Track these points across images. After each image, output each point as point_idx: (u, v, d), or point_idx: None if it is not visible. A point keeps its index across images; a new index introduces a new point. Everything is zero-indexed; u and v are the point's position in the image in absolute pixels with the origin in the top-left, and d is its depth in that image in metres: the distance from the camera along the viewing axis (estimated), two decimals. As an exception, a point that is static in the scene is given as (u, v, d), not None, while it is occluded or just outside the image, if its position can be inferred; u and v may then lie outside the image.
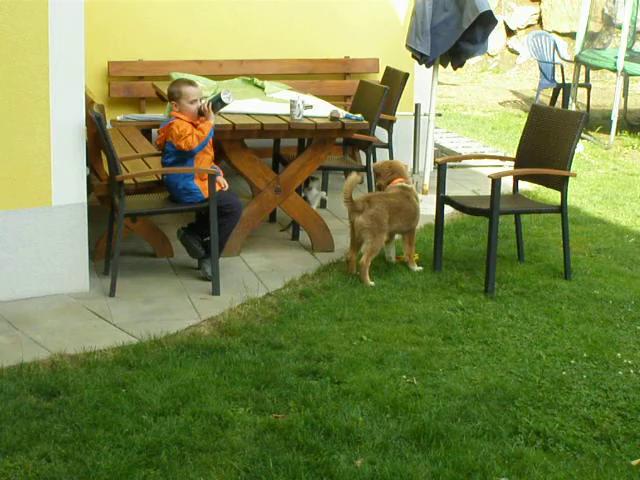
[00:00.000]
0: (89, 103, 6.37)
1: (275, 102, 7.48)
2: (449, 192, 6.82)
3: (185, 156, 6.30)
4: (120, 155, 6.38)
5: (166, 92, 6.68)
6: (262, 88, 7.99)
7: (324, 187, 8.32)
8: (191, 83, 6.46)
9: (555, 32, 17.80)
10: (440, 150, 10.70)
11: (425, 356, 5.20)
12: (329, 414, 4.45)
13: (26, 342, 5.32)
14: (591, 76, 14.43)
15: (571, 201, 8.06)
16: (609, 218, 8.30)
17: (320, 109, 7.22)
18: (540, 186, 7.76)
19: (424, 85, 9.30)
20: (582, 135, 10.00)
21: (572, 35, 16.23)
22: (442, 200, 6.70)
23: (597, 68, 13.98)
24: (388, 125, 8.73)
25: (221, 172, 6.50)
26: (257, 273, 6.61)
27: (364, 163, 8.26)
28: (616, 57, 12.04)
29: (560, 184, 6.50)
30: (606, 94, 15.29)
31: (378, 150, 8.63)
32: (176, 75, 7.70)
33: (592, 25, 13.25)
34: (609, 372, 5.08)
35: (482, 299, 6.14)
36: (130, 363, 5.00)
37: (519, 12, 18.83)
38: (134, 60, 9.07)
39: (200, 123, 6.28)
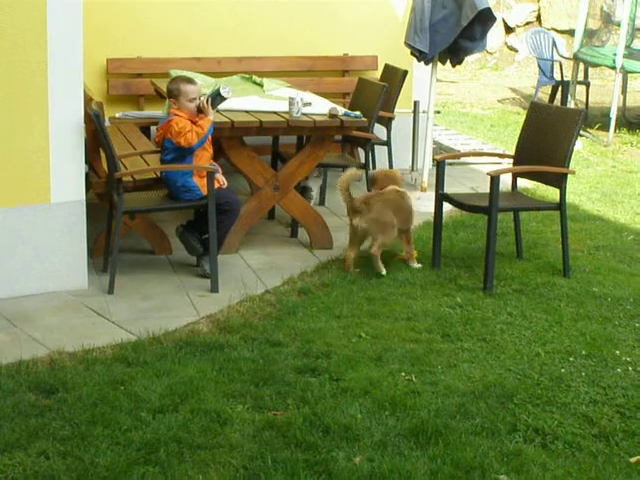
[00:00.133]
0: (88, 100, 6.36)
1: (274, 99, 7.48)
2: (448, 189, 6.82)
3: (184, 153, 6.30)
4: (119, 152, 6.38)
5: (165, 89, 6.68)
6: (261, 85, 7.99)
7: (323, 184, 8.32)
8: (190, 81, 6.45)
9: (554, 29, 17.81)
10: (439, 147, 10.70)
11: (424, 353, 5.20)
12: (328, 411, 4.45)
13: (25, 339, 5.32)
14: (590, 73, 14.43)
15: (570, 198, 8.06)
16: (608, 215, 8.30)
17: (319, 106, 7.22)
18: (539, 183, 7.76)
19: (423, 82, 9.30)
20: (581, 132, 10.00)
21: (571, 32, 16.24)
22: (441, 197, 6.70)
23: (596, 65, 13.96)
24: (387, 122, 8.73)
25: (220, 169, 6.50)
26: (256, 270, 6.61)
27: (363, 160, 8.26)
28: (615, 54, 12.04)
29: (559, 181, 6.50)
30: (605, 91, 15.29)
31: (377, 147, 8.63)
32: (175, 72, 7.70)
33: (591, 22, 13.26)
34: (608, 369, 5.08)
35: (481, 296, 6.14)
36: (129, 360, 5.00)
37: (518, 9, 18.83)
38: (133, 57, 9.07)
39: (199, 120, 6.27)
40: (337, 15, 9.62)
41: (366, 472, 3.95)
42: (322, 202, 8.31)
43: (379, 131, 8.59)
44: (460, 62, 8.81)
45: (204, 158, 6.39)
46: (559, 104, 13.02)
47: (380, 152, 8.69)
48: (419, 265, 6.61)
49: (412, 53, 8.63)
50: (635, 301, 6.13)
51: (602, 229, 7.84)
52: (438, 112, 10.55)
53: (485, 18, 8.29)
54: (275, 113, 7.04)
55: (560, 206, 6.52)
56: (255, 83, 8.12)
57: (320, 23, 9.60)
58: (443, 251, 6.77)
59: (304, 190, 7.74)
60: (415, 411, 4.48)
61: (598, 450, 4.22)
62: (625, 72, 12.53)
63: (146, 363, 4.96)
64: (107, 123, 7.36)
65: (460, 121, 13.17)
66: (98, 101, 6.53)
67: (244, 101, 7.26)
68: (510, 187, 7.03)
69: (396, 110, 8.79)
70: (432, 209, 6.84)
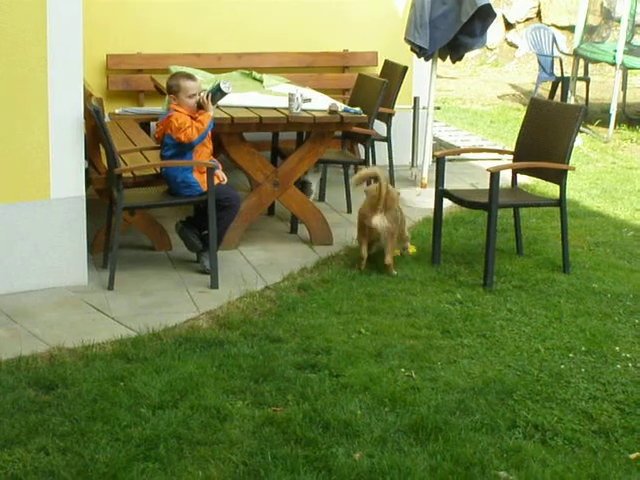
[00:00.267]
0: (88, 96, 6.36)
1: (274, 95, 7.47)
2: (448, 185, 6.82)
3: (184, 149, 6.29)
4: (119, 148, 6.38)
5: (165, 85, 6.67)
6: (261, 81, 7.98)
7: (323, 180, 8.32)
8: (190, 77, 6.45)
9: (554, 25, 17.78)
10: (439, 143, 10.70)
11: (423, 349, 5.20)
12: (327, 407, 4.45)
13: (24, 335, 5.32)
14: (590, 69, 14.40)
15: (570, 194, 8.06)
16: (608, 212, 8.30)
17: (319, 102, 7.22)
18: (539, 179, 7.76)
19: (423, 78, 9.29)
20: (581, 129, 9.99)
21: (571, 28, 16.21)
22: (441, 193, 6.70)
23: (596, 61, 13.96)
24: (387, 118, 8.72)
25: (220, 165, 6.50)
26: (256, 266, 6.60)
27: (363, 156, 8.25)
28: (615, 50, 12.02)
29: (559, 177, 6.50)
30: (605, 87, 15.28)
31: (377, 143, 8.62)
32: (175, 68, 7.69)
33: (591, 18, 13.24)
34: (607, 366, 5.09)
35: (481, 293, 6.14)
36: (128, 356, 5.00)
37: (518, 5, 18.81)
38: (133, 53, 9.06)
39: (199, 116, 6.27)
40: (337, 11, 9.61)
41: (366, 468, 3.96)
42: (322, 198, 8.31)
43: (379, 127, 8.58)
44: (460, 58, 8.80)
45: (204, 154, 6.39)
46: (559, 100, 13.01)
47: (380, 148, 8.68)
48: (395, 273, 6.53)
49: (412, 49, 8.61)
50: (635, 297, 6.13)
51: (602, 225, 7.84)
52: (438, 108, 10.54)
53: (485, 14, 8.27)
54: (275, 109, 7.03)
55: (560, 202, 6.52)
56: (255, 79, 8.11)
57: (320, 19, 9.58)
58: (443, 247, 6.77)
59: (304, 186, 7.74)
60: (415, 407, 4.49)
61: (598, 446, 4.22)
62: (625, 68, 12.51)
63: (146, 359, 4.96)
64: (107, 119, 7.36)
65: (460, 117, 13.17)
66: (98, 97, 6.52)
67: (244, 97, 7.25)
68: (510, 183, 7.03)
69: (396, 106, 8.78)
70: (432, 205, 6.83)
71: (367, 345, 5.24)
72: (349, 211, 7.97)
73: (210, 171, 6.17)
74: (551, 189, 8.24)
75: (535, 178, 7.88)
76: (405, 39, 8.56)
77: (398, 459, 4.02)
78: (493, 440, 4.23)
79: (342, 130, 7.57)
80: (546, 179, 6.87)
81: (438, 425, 4.31)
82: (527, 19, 18.73)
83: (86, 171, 6.32)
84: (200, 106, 6.31)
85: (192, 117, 6.27)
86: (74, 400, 4.48)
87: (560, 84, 13.57)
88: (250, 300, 5.91)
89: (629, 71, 13.44)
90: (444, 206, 6.84)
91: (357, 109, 7.09)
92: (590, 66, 14.36)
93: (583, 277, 6.48)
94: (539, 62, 14.01)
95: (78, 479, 3.86)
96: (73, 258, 6.10)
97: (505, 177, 6.74)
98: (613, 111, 11.78)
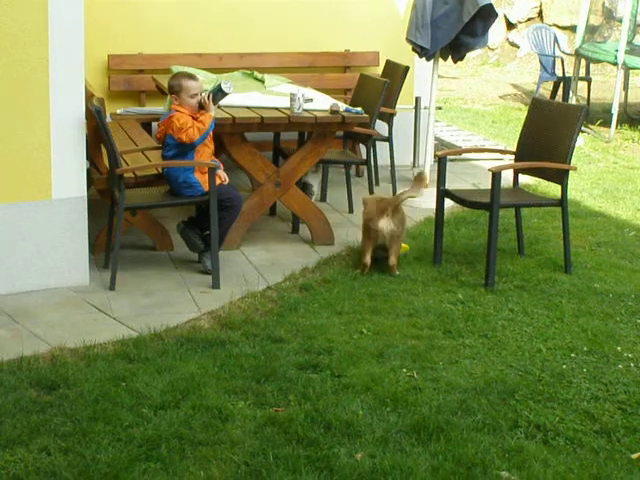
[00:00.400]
0: (89, 96, 6.36)
1: (275, 95, 7.47)
2: (449, 185, 6.81)
3: (185, 149, 6.29)
4: (120, 148, 6.38)
5: (166, 85, 6.67)
6: (262, 81, 7.98)
7: (324, 180, 8.32)
8: (192, 77, 6.45)
9: (555, 25, 17.78)
10: (440, 143, 10.70)
11: (425, 350, 5.20)
12: (329, 408, 4.45)
13: (26, 335, 5.32)
14: (591, 69, 14.40)
15: (571, 194, 8.05)
16: (609, 212, 8.30)
17: (320, 102, 7.22)
18: (540, 179, 7.76)
19: (424, 78, 9.28)
20: (582, 128, 9.98)
21: (572, 28, 16.21)
22: (442, 193, 6.69)
23: (597, 61, 13.96)
24: (388, 118, 8.72)
25: (221, 165, 6.50)
26: (257, 266, 6.60)
27: (364, 156, 8.25)
28: (616, 50, 12.03)
29: (560, 177, 6.50)
30: (606, 87, 15.27)
31: (378, 143, 8.62)
32: (176, 68, 7.68)
33: (593, 18, 13.24)
34: (609, 366, 5.08)
35: (482, 293, 6.14)
36: (130, 357, 5.00)
37: (519, 5, 18.81)
38: (134, 53, 9.06)
39: (200, 116, 6.27)
40: (338, 11, 9.61)
41: (367, 468, 3.95)
42: (323, 198, 8.31)
43: (380, 127, 8.58)
44: (461, 58, 8.79)
45: (205, 154, 6.39)
46: (561, 100, 13.00)
47: (381, 148, 8.68)
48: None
49: (413, 49, 8.61)
50: (637, 297, 6.13)
51: (604, 225, 7.83)
52: (439, 108, 10.55)
53: (487, 14, 8.27)
54: (276, 109, 7.03)
55: (561, 202, 6.52)
56: (256, 79, 8.11)
57: (321, 19, 9.58)
58: (444, 247, 6.77)
59: (305, 186, 7.74)
60: (416, 407, 4.49)
61: (599, 446, 4.22)
62: (627, 68, 12.51)
63: (147, 359, 4.96)
64: (108, 119, 7.36)
65: (462, 117, 13.17)
66: (99, 97, 6.52)
67: (245, 97, 7.25)
68: (511, 183, 7.02)
69: (397, 106, 8.77)
70: (433, 205, 6.83)
71: (369, 345, 5.24)
72: (351, 211, 7.96)
73: (212, 171, 6.17)
74: (552, 189, 8.23)
75: (537, 178, 7.87)
76: (406, 39, 8.55)
77: (400, 459, 4.02)
78: (495, 440, 4.23)
79: (344, 130, 7.56)
80: (548, 179, 6.86)
81: (440, 425, 4.31)
82: (529, 19, 18.73)
83: (87, 171, 6.31)
84: (202, 106, 6.31)
85: (193, 117, 6.27)
86: (76, 400, 4.48)
87: (562, 84, 13.57)
88: (252, 300, 5.91)
89: (631, 71, 13.44)
90: (446, 206, 6.83)
91: (359, 109, 7.08)
92: (592, 66, 14.36)
93: (585, 277, 6.48)
94: (540, 62, 14.00)
95: (80, 479, 3.86)
96: (75, 258, 6.10)
97: (507, 177, 6.74)
98: (615, 111, 11.77)
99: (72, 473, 3.89)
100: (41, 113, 5.85)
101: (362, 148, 8.73)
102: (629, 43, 12.21)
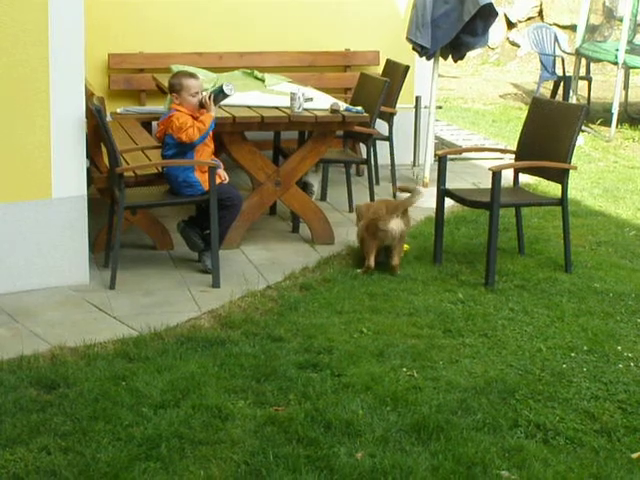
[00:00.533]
0: (89, 95, 6.36)
1: (275, 94, 7.47)
2: (449, 185, 6.81)
3: (185, 149, 6.29)
4: (120, 147, 6.37)
5: (166, 84, 6.67)
6: (262, 80, 7.98)
7: (324, 180, 8.32)
8: (192, 75, 6.45)
9: (556, 24, 17.77)
10: (441, 143, 10.69)
11: (425, 349, 5.20)
12: (329, 407, 4.45)
13: (26, 335, 5.32)
14: (592, 69, 14.40)
15: (571, 194, 8.05)
16: (610, 211, 8.30)
17: (320, 102, 7.21)
18: (540, 179, 7.76)
19: (424, 78, 9.29)
20: (583, 128, 9.98)
21: (573, 27, 16.20)
22: (442, 193, 6.69)
23: (598, 61, 13.95)
24: (388, 118, 8.72)
25: (221, 165, 6.50)
26: (257, 266, 6.60)
27: (364, 156, 8.25)
28: (617, 50, 12.02)
29: (561, 177, 6.50)
30: (607, 87, 15.27)
31: (378, 143, 8.62)
32: (176, 67, 7.68)
33: (593, 18, 13.24)
34: (609, 365, 5.08)
35: (482, 292, 6.13)
36: (130, 356, 5.00)
37: (520, 4, 18.80)
38: (134, 52, 9.06)
39: (200, 115, 6.27)
40: (339, 10, 9.60)
41: (367, 468, 3.95)
42: (323, 197, 8.31)
43: (381, 126, 8.58)
44: (462, 57, 8.80)
45: (205, 153, 6.38)
46: (561, 99, 13.00)
47: (382, 147, 8.68)
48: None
49: (414, 48, 8.61)
50: (637, 297, 6.13)
51: (604, 225, 7.83)
52: (440, 107, 10.54)
53: (487, 13, 8.27)
54: (277, 108, 7.03)
55: (562, 202, 6.51)
56: (256, 78, 8.10)
57: (322, 18, 9.58)
58: (445, 247, 6.77)
59: (305, 186, 7.74)
60: (417, 407, 4.48)
61: (600, 446, 4.22)
62: (627, 67, 12.50)
63: (147, 358, 4.96)
64: (108, 118, 7.36)
65: (462, 116, 13.16)
66: (99, 96, 6.52)
67: (245, 96, 7.25)
68: (512, 182, 7.02)
69: (398, 105, 8.77)
70: (434, 204, 6.83)
71: (369, 344, 5.24)
72: (351, 210, 7.96)
73: (212, 170, 6.17)
74: (553, 188, 8.23)
75: (537, 177, 7.87)
76: (407, 38, 8.56)
77: (400, 459, 4.02)
78: (495, 440, 4.23)
79: (344, 129, 7.56)
80: (548, 178, 6.86)
81: (440, 425, 4.31)
82: (529, 18, 18.72)
83: (88, 170, 6.31)
84: (202, 105, 6.31)
85: (193, 117, 6.27)
86: (76, 399, 4.48)
87: (562, 83, 13.57)
88: (252, 299, 5.91)
89: (631, 70, 13.45)
90: (446, 205, 6.83)
91: (359, 108, 7.08)
92: (592, 65, 14.36)
93: (585, 276, 6.47)
94: (541, 61, 14.00)
95: (80, 479, 3.86)
96: (75, 257, 6.10)
97: (507, 176, 6.74)
98: (615, 110, 11.77)
99: (72, 472, 3.89)
100: (41, 112, 5.85)
101: (362, 147, 8.72)
102: (629, 42, 12.21)
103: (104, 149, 6.43)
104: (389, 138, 8.72)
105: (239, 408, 4.45)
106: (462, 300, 5.98)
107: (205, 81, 7.08)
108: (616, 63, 12.05)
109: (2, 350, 5.02)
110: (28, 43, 5.73)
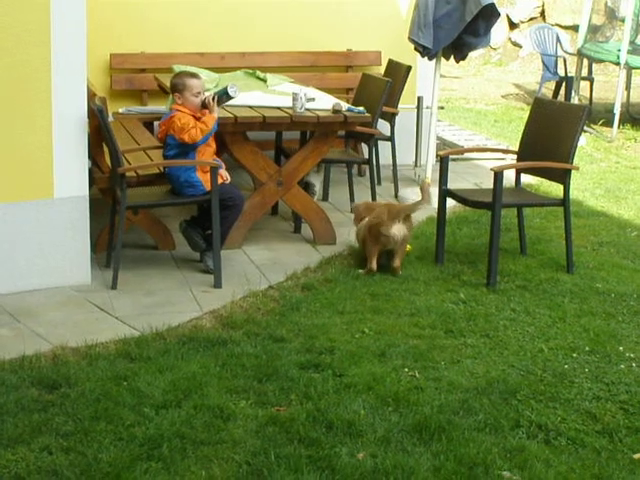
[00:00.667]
0: (91, 95, 6.36)
1: (277, 95, 7.47)
2: (451, 185, 6.81)
3: (187, 149, 6.29)
4: (122, 147, 6.37)
5: (168, 84, 6.67)
6: (264, 81, 7.98)
7: (326, 180, 8.31)
8: (194, 75, 6.45)
9: (558, 25, 17.76)
10: (442, 143, 10.69)
11: (427, 349, 5.20)
12: (331, 407, 4.45)
13: (28, 335, 5.33)
14: (594, 69, 14.40)
15: (573, 194, 8.04)
16: (611, 211, 8.29)
17: (322, 102, 7.21)
18: (542, 179, 7.76)
19: (426, 78, 9.29)
20: (585, 128, 9.98)
21: (575, 28, 16.19)
22: (444, 193, 6.69)
23: (600, 61, 13.93)
24: (390, 118, 8.71)
25: (223, 165, 6.50)
26: (259, 266, 6.60)
27: (366, 156, 8.25)
28: (619, 50, 12.02)
29: (562, 177, 6.50)
30: (609, 87, 15.25)
31: (380, 143, 8.62)
32: (178, 67, 7.68)
33: (595, 18, 13.22)
34: (611, 365, 5.08)
35: (484, 292, 6.13)
36: (132, 356, 5.00)
37: (522, 5, 18.79)
38: (136, 52, 9.06)
39: (202, 116, 6.27)
40: (340, 10, 9.60)
41: (369, 468, 3.95)
42: (325, 198, 8.31)
43: (383, 127, 8.58)
44: (464, 58, 8.79)
45: (207, 153, 6.38)
46: (563, 100, 12.99)
47: (384, 148, 8.68)
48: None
49: (416, 49, 8.61)
50: (639, 297, 6.12)
51: (606, 225, 7.83)
52: (442, 108, 10.54)
53: (489, 14, 8.27)
54: (278, 108, 7.03)
55: (564, 202, 6.51)
56: (258, 78, 8.10)
57: (323, 18, 9.58)
58: (446, 247, 6.77)
59: (307, 186, 7.73)
60: (418, 407, 4.48)
61: (601, 446, 4.22)
62: (629, 68, 12.50)
63: (149, 359, 4.96)
64: (110, 118, 7.36)
65: (464, 117, 13.16)
66: (101, 96, 6.53)
67: (247, 96, 7.24)
68: (514, 183, 7.02)
69: (400, 106, 8.77)
70: (435, 205, 6.83)
71: (370, 345, 5.24)
72: (352, 211, 7.95)
73: (213, 170, 6.17)
74: (555, 189, 8.22)
75: (539, 178, 7.87)
76: (409, 38, 8.55)
77: (401, 459, 4.02)
78: (496, 440, 4.22)
79: (346, 129, 7.56)
80: (550, 179, 6.86)
81: (441, 425, 4.30)
82: (531, 19, 18.71)
83: (89, 170, 6.31)
84: (204, 105, 6.31)
85: (195, 117, 6.27)
86: (77, 399, 4.48)
87: (564, 84, 13.55)
88: (253, 300, 5.91)
89: (633, 70, 13.44)
90: (448, 206, 6.83)
91: (361, 108, 7.08)
92: (594, 65, 14.35)
93: (587, 277, 6.47)
94: (543, 62, 13.99)
95: (81, 479, 3.86)
96: (76, 257, 6.10)
97: (509, 177, 6.74)
98: (617, 111, 11.76)
99: (74, 472, 3.89)
100: (43, 112, 5.85)
101: (364, 147, 8.72)
102: (631, 43, 12.20)
103: (106, 149, 6.43)
104: (391, 138, 8.72)
105: (241, 408, 4.45)
106: (464, 300, 5.98)
107: (207, 81, 7.08)
108: (618, 63, 12.04)
109: (4, 350, 5.03)
110: (30, 43, 5.73)
